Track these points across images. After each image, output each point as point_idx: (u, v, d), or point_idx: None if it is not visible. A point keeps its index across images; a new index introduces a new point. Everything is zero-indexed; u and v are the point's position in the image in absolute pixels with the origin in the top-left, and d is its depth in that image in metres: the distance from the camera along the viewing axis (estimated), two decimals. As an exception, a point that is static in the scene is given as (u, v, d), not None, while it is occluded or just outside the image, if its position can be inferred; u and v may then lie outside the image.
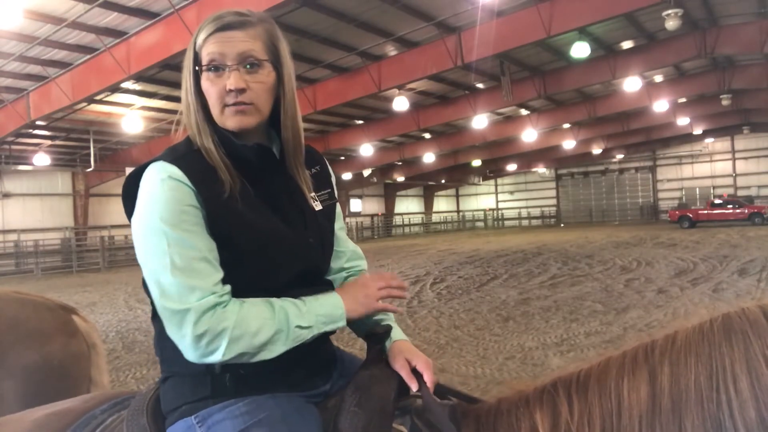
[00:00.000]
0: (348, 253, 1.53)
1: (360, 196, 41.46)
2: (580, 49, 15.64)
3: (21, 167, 23.55)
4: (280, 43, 1.30)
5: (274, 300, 1.23)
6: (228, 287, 1.20)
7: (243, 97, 1.23)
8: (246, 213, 1.22)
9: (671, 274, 11.87)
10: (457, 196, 53.43)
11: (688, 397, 1.01)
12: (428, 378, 1.27)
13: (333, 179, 1.50)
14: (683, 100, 25.99)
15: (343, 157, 33.46)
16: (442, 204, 51.49)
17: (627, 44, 18.17)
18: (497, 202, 50.97)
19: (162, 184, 1.18)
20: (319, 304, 1.26)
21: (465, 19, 14.32)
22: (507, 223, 49.11)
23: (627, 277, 11.92)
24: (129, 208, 1.25)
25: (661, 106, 24.38)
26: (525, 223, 48.07)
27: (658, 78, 22.58)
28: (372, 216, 42.89)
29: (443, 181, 44.27)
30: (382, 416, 1.21)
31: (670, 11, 13.45)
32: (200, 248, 1.17)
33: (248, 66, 1.24)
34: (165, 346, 1.25)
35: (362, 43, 15.56)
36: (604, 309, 8.57)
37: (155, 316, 1.26)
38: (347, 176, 35.74)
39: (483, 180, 48.52)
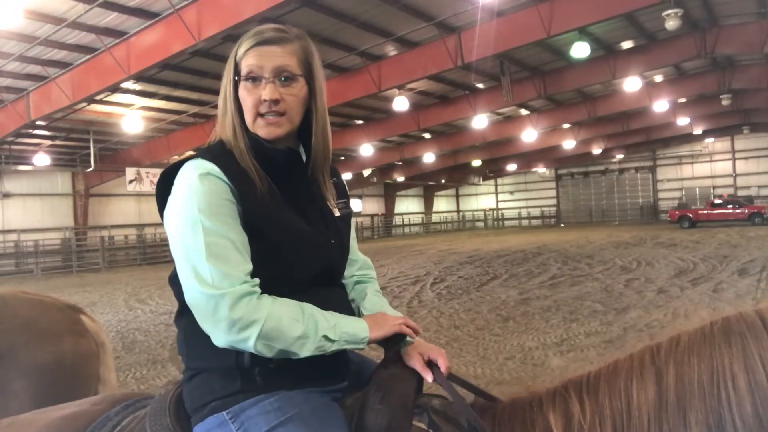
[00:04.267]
0: (360, 262, 1.64)
1: (360, 196, 41.41)
2: (580, 49, 15.63)
3: (21, 167, 23.53)
4: (314, 59, 1.40)
5: (305, 305, 1.28)
6: (257, 280, 1.25)
7: (277, 108, 1.33)
8: (275, 212, 1.31)
9: (671, 274, 11.87)
10: (457, 196, 53.40)
11: (691, 394, 1.09)
12: (443, 365, 1.34)
13: (347, 191, 1.60)
14: (683, 100, 25.97)
15: (343, 157, 33.43)
16: (442, 204, 51.47)
17: (627, 44, 18.15)
18: (497, 202, 50.94)
19: (201, 179, 1.25)
20: (347, 323, 1.32)
21: (465, 19, 14.31)
22: (507, 223, 49.08)
23: (627, 277, 11.92)
24: (162, 203, 1.32)
25: (661, 106, 24.37)
26: (525, 223, 48.04)
27: (658, 78, 22.56)
28: (372, 216, 42.86)
29: (443, 181, 44.24)
30: (403, 413, 1.26)
31: (670, 11, 13.44)
32: (234, 239, 1.24)
33: (283, 79, 1.33)
34: (191, 344, 1.32)
35: (362, 43, 15.55)
36: (604, 309, 8.57)
37: (180, 317, 1.34)
38: (347, 176, 35.68)
39: (483, 180, 48.49)
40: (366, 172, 35.61)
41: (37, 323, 2.22)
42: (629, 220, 42.40)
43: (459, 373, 1.42)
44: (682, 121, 29.39)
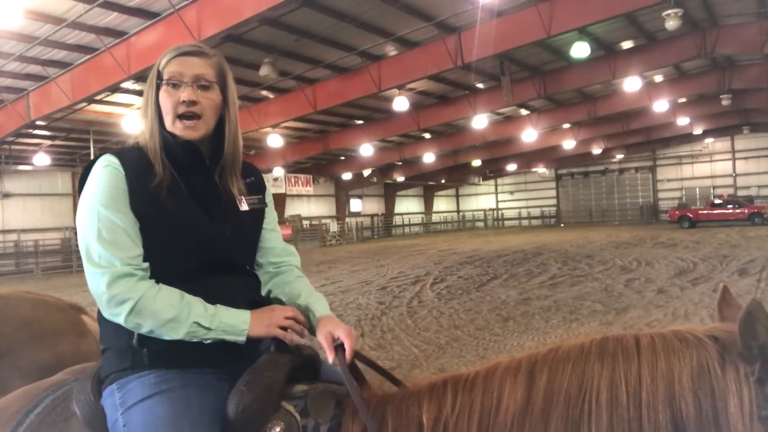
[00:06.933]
0: (277, 249, 1.71)
1: (360, 196, 41.46)
2: (580, 49, 15.63)
3: (21, 167, 23.56)
4: (227, 73, 1.58)
5: (188, 295, 1.42)
6: (146, 264, 1.42)
7: (194, 108, 1.49)
8: (167, 201, 1.45)
9: (671, 274, 11.87)
10: (457, 196, 53.41)
11: (557, 402, 1.17)
12: (348, 346, 1.42)
13: (267, 190, 1.73)
14: (683, 100, 25.98)
15: (343, 157, 33.46)
16: (442, 204, 51.47)
17: (627, 44, 18.16)
18: (497, 202, 50.95)
19: (103, 171, 1.44)
20: (228, 314, 1.44)
21: (465, 19, 14.31)
22: (507, 223, 49.09)
23: (627, 277, 11.92)
24: (81, 191, 1.50)
25: (661, 106, 24.38)
26: (525, 223, 48.05)
27: (658, 78, 22.57)
28: (372, 216, 42.88)
29: (443, 181, 44.25)
30: (267, 396, 1.34)
31: (670, 11, 13.45)
32: (125, 226, 1.41)
33: (200, 85, 1.50)
34: (101, 325, 1.52)
35: (362, 43, 15.55)
36: (604, 309, 8.57)
37: None
38: (347, 176, 35.72)
39: (483, 180, 48.50)
40: (366, 172, 35.62)
41: (39, 323, 2.21)
42: (629, 220, 42.40)
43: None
44: (682, 121, 29.40)
